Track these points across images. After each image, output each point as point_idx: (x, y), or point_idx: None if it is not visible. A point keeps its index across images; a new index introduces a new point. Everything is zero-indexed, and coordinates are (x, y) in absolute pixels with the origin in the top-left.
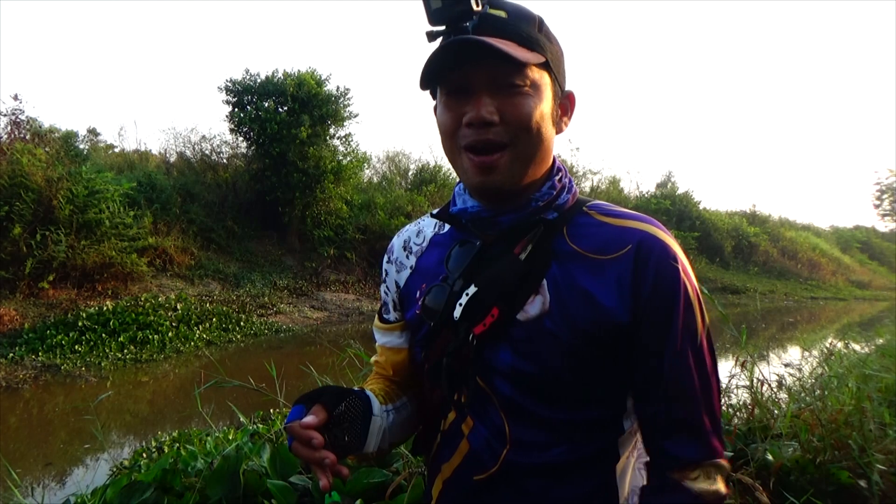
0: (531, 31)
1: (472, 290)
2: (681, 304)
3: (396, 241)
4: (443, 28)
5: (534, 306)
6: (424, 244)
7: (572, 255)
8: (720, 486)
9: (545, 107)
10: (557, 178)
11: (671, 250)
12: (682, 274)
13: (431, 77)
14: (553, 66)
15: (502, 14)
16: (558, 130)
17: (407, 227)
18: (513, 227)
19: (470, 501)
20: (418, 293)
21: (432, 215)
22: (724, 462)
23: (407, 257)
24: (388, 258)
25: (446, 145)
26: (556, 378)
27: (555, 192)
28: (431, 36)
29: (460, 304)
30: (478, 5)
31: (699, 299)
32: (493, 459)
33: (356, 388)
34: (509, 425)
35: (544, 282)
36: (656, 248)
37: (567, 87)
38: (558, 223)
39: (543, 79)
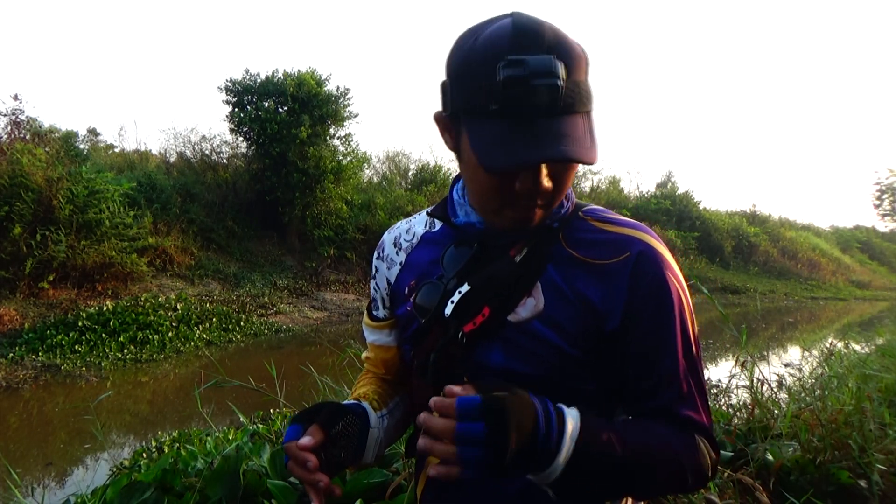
0: (586, 86)
1: (464, 288)
2: (675, 312)
3: (387, 238)
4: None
5: (525, 308)
6: (414, 241)
7: (569, 260)
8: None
9: None
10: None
11: (666, 261)
12: (675, 283)
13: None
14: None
15: (563, 69)
16: None
17: (398, 224)
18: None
19: (453, 497)
20: (407, 289)
21: (428, 213)
22: (714, 456)
23: (397, 254)
24: (379, 255)
25: (481, 196)
26: (546, 379)
27: (562, 211)
28: (493, 108)
29: (452, 302)
30: (563, 87)
31: (690, 308)
32: None
33: (352, 402)
34: None
35: (538, 284)
36: (653, 259)
37: None
38: (556, 229)
39: None
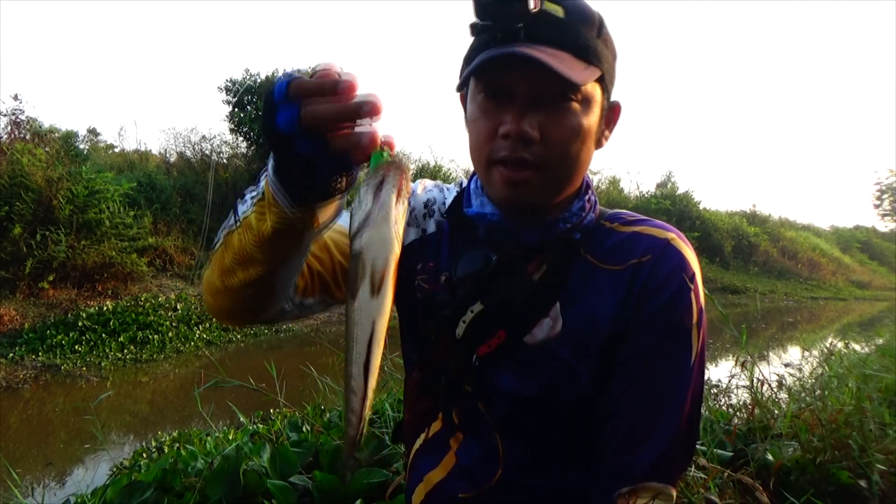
0: (590, 37)
1: (477, 307)
2: (685, 324)
3: (420, 193)
4: (490, 23)
5: (542, 329)
6: (442, 221)
7: (591, 271)
8: None
9: (591, 124)
10: (587, 196)
11: (689, 267)
12: (692, 294)
13: (472, 76)
14: (607, 79)
15: (559, 12)
16: (598, 146)
17: (436, 187)
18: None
19: None
20: (420, 266)
21: (442, 215)
22: (674, 492)
23: (424, 218)
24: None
25: (475, 152)
26: (556, 402)
27: (584, 214)
28: (475, 28)
29: (464, 322)
30: (536, 6)
31: (703, 322)
32: (487, 478)
33: None
34: (504, 446)
35: (556, 304)
36: (674, 261)
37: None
38: (577, 242)
39: (595, 93)
